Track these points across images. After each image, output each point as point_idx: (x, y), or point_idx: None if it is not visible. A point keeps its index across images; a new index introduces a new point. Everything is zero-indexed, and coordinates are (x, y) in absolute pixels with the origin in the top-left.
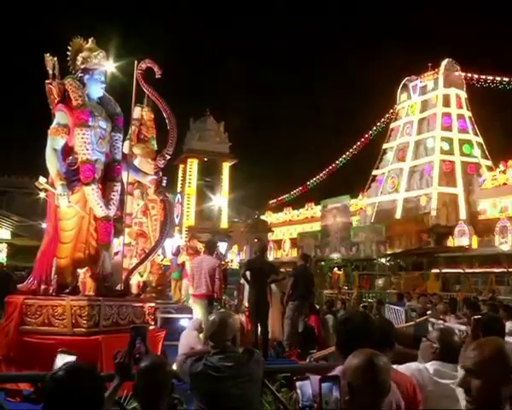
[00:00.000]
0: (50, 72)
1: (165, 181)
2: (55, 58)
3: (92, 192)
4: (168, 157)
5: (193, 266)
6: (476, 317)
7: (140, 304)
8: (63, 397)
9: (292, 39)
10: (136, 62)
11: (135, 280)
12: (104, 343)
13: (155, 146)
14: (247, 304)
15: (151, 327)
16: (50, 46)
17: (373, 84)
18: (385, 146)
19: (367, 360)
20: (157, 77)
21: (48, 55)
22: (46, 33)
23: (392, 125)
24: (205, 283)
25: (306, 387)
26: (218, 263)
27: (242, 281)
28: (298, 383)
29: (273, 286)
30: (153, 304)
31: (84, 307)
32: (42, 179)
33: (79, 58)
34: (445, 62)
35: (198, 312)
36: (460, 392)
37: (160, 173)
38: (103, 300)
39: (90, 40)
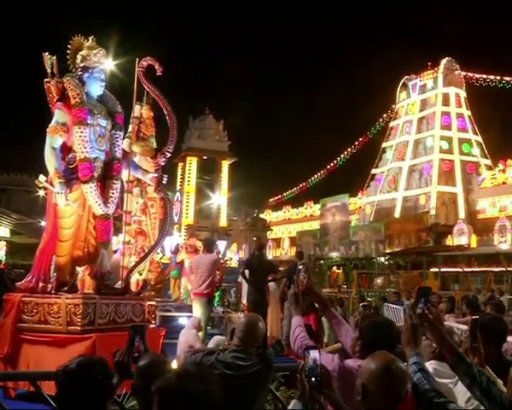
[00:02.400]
0: (49, 70)
1: (165, 179)
2: (54, 57)
3: (90, 190)
4: (169, 155)
5: (192, 264)
6: (474, 317)
7: (139, 302)
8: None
9: (292, 38)
10: (137, 60)
11: (134, 278)
12: (99, 342)
13: (154, 144)
14: (245, 302)
15: (151, 326)
16: (51, 44)
17: (372, 83)
18: (384, 145)
19: (384, 366)
20: (158, 75)
21: (46, 53)
22: (46, 31)
23: (391, 124)
24: (204, 281)
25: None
26: (216, 259)
27: (240, 279)
28: (309, 352)
29: (272, 285)
30: (153, 302)
31: (79, 305)
32: (42, 178)
33: (79, 56)
34: (444, 61)
35: (197, 310)
36: (458, 391)
37: (161, 171)
38: (99, 298)
39: (90, 38)
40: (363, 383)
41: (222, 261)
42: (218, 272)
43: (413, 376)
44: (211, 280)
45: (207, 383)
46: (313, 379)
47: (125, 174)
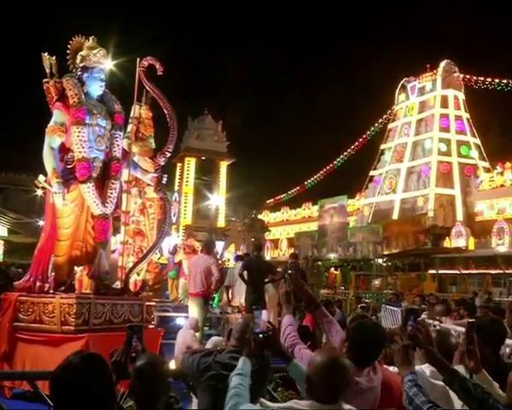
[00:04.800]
0: (48, 71)
1: (165, 179)
2: (53, 57)
3: (88, 190)
4: (168, 155)
5: (190, 265)
6: (470, 320)
7: (137, 302)
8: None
9: (292, 38)
10: (138, 60)
11: (132, 279)
12: (92, 342)
13: (153, 144)
14: (244, 303)
15: (150, 326)
16: (51, 44)
17: (372, 84)
18: (383, 147)
19: (329, 361)
20: (159, 74)
21: (45, 54)
22: (46, 31)
23: (390, 126)
24: (201, 282)
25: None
26: (214, 261)
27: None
28: (256, 312)
29: (269, 286)
30: (152, 303)
31: (73, 305)
32: (41, 178)
33: (79, 56)
34: (443, 64)
35: (194, 310)
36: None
37: (161, 171)
38: (94, 298)
39: (90, 38)
40: (308, 375)
41: (220, 262)
42: (215, 277)
43: (409, 391)
44: (208, 281)
45: (90, 373)
46: (260, 336)
47: (124, 174)
